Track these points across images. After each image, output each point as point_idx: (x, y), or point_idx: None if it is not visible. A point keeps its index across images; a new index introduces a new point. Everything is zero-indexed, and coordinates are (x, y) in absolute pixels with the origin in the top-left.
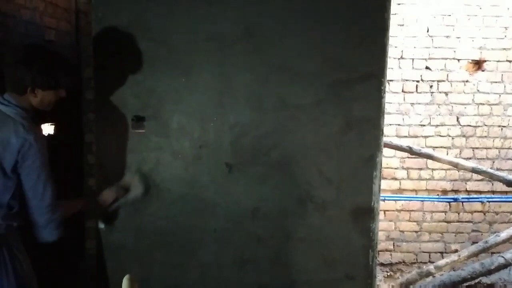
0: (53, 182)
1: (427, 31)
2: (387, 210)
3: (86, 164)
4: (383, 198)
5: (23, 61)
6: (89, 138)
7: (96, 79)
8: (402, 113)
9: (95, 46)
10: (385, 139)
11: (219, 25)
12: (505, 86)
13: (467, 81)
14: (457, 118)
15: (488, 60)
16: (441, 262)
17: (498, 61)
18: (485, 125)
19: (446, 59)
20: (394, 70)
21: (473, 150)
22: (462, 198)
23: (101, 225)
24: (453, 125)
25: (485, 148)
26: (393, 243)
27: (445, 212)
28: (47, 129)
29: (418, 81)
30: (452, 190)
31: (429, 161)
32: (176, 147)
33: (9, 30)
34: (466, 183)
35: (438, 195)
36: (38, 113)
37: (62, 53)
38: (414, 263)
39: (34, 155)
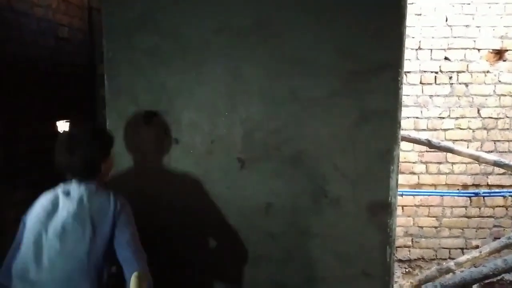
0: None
1: (446, 21)
2: (405, 206)
3: None
4: (401, 193)
5: (89, 143)
6: None
7: (107, 75)
8: (421, 105)
9: (105, 42)
10: (402, 132)
11: (230, 18)
12: None
13: (488, 71)
14: (478, 110)
15: (510, 50)
16: (462, 258)
17: None
18: (507, 117)
19: (465, 49)
20: (411, 61)
21: (494, 143)
22: (484, 193)
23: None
24: (473, 117)
25: (507, 140)
26: (412, 239)
27: (466, 207)
28: (61, 125)
29: (436, 72)
30: (473, 185)
31: (449, 155)
32: (187, 142)
33: (22, 28)
34: (487, 177)
35: (458, 189)
36: None
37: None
38: (434, 259)
39: (126, 215)
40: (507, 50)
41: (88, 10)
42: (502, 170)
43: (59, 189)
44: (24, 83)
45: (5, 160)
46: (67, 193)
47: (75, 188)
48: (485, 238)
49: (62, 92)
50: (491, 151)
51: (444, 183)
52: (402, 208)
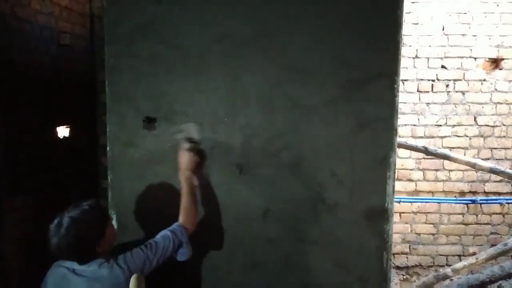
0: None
1: (443, 30)
2: (403, 212)
3: (101, 166)
4: (399, 200)
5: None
6: (104, 141)
7: (108, 82)
8: (418, 113)
9: (107, 49)
10: (400, 140)
11: (230, 26)
12: None
13: (484, 80)
14: (475, 118)
15: (506, 58)
16: (459, 265)
17: None
18: (504, 124)
19: (462, 57)
20: (408, 69)
21: (491, 151)
22: (480, 200)
23: None
24: (470, 125)
25: (504, 148)
26: (409, 245)
27: (463, 214)
28: (62, 131)
29: (433, 81)
30: (470, 192)
31: (446, 162)
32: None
33: (25, 35)
34: (484, 184)
35: (455, 196)
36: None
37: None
38: (431, 266)
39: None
40: (503, 59)
41: (90, 18)
42: (498, 178)
43: (64, 268)
44: (26, 89)
45: (6, 166)
46: (73, 272)
47: (82, 268)
48: (482, 245)
49: (63, 98)
50: (488, 159)
51: (442, 190)
52: (400, 215)
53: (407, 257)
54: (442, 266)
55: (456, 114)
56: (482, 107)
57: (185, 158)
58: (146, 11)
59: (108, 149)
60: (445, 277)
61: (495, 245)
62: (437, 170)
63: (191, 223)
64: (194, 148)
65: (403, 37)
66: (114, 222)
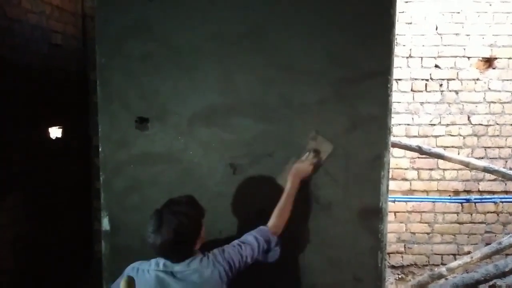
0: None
1: (436, 29)
2: (398, 212)
3: (94, 167)
4: (393, 199)
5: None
6: (97, 141)
7: (99, 81)
8: (412, 112)
9: (98, 48)
10: (394, 139)
11: (222, 25)
12: None
13: (477, 79)
14: (468, 117)
15: (499, 58)
16: (454, 264)
17: (510, 58)
18: (497, 123)
19: (456, 57)
20: (402, 69)
21: (485, 150)
22: (475, 199)
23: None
24: (464, 124)
25: (498, 147)
26: (404, 245)
27: (457, 213)
28: (55, 132)
29: (427, 80)
30: (464, 191)
31: (440, 161)
32: (179, 148)
33: (16, 34)
34: (478, 183)
35: (450, 195)
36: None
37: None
38: (426, 265)
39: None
40: (496, 58)
41: (82, 17)
42: (493, 176)
43: (159, 272)
44: (17, 89)
45: None
46: (172, 275)
47: (181, 268)
48: (476, 244)
49: (55, 98)
50: (482, 158)
51: (436, 189)
52: (395, 214)
53: (402, 257)
54: (437, 265)
55: (450, 113)
56: (476, 106)
57: (304, 168)
58: (137, 10)
59: (100, 149)
60: (440, 276)
61: (490, 244)
62: (431, 169)
63: (280, 227)
64: (317, 164)
65: (396, 36)
66: (107, 223)
